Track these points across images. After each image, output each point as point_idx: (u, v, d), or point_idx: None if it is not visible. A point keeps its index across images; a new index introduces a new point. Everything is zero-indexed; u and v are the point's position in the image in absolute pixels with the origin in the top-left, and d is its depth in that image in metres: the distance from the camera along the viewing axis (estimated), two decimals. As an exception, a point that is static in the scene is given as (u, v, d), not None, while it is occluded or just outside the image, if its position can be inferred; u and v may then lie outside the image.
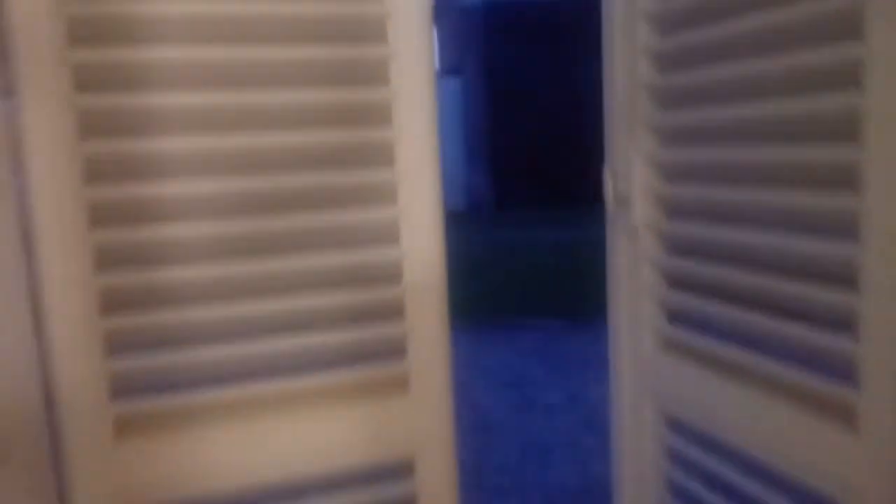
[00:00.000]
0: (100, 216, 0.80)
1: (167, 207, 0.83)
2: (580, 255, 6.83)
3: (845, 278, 0.80)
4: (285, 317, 0.89)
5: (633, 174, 1.12)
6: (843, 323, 0.81)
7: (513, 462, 3.37)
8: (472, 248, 8.56)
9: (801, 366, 0.89)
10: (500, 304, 6.17)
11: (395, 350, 0.94)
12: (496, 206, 12.34)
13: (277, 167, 0.87)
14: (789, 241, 0.88)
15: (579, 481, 3.12)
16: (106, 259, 0.81)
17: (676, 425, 1.13)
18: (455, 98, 12.71)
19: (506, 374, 4.56)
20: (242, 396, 0.89)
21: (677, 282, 1.10)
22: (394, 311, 0.94)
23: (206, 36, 0.81)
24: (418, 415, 0.95)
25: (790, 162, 0.88)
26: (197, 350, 0.86)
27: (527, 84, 12.24)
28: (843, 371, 0.82)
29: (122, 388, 0.83)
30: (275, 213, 0.87)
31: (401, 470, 0.96)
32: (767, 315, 0.92)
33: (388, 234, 0.92)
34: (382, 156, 0.90)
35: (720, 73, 0.95)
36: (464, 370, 4.60)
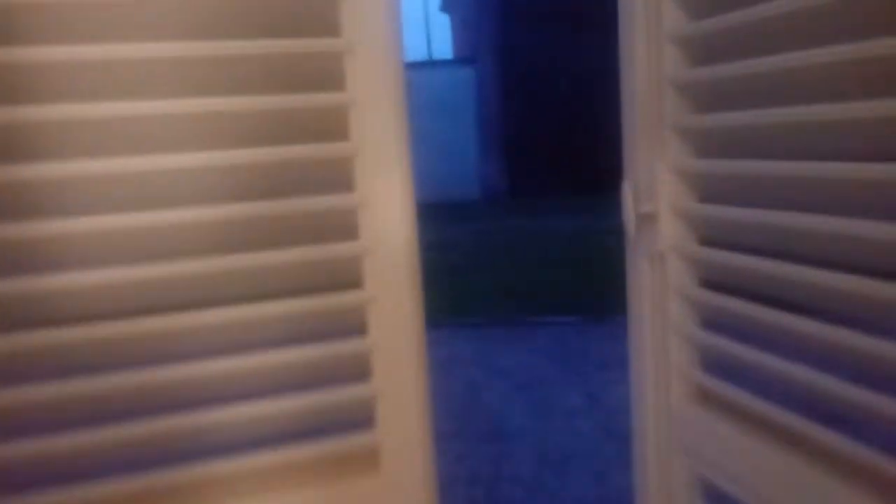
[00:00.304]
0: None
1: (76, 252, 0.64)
2: (595, 245, 6.63)
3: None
4: (224, 379, 0.71)
5: (658, 188, 0.92)
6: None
7: (528, 472, 3.19)
8: (483, 238, 8.38)
9: (864, 438, 0.71)
10: (513, 299, 5.97)
11: (361, 417, 0.76)
12: (510, 194, 12.17)
13: (219, 198, 0.68)
14: (861, 285, 0.68)
15: (598, 492, 2.94)
16: None
17: (710, 491, 0.94)
18: (468, 86, 12.57)
19: (521, 376, 4.38)
20: (170, 481, 0.70)
21: (713, 320, 0.91)
22: (359, 369, 0.75)
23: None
24: (391, 498, 0.76)
25: (860, 182, 0.68)
26: (113, 426, 0.68)
27: (540, 72, 12.08)
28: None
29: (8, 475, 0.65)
30: (215, 251, 0.69)
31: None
32: (826, 373, 0.73)
33: (350, 274, 0.73)
34: (340, 177, 0.71)
35: (768, 65, 0.75)
36: (475, 371, 4.45)
